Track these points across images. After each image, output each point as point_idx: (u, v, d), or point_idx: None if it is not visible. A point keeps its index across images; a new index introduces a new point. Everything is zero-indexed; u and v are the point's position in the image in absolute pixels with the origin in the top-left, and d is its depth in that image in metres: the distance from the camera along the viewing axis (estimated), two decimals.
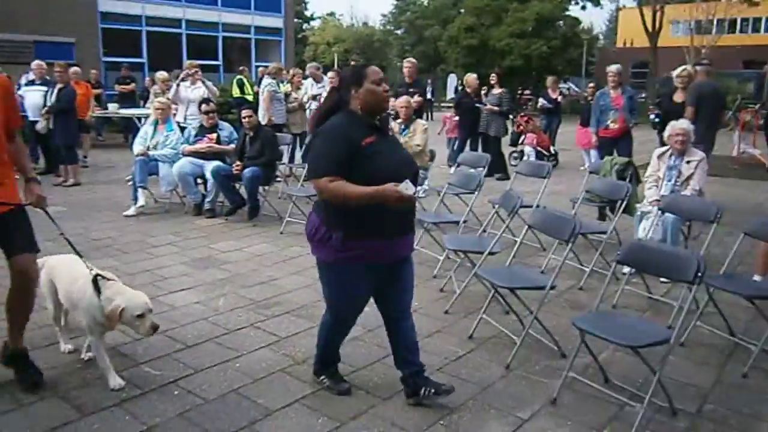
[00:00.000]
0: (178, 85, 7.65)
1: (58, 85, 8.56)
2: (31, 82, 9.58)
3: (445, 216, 5.45)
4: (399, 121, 6.76)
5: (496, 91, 9.89)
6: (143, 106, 13.35)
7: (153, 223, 6.58)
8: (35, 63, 9.68)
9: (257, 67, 18.26)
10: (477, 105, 9.68)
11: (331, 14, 53.84)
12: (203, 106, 6.97)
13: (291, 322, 4.02)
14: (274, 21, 22.44)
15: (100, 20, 18.01)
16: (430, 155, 6.99)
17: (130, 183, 8.55)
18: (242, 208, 6.73)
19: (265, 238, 6.08)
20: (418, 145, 6.53)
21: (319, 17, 51.51)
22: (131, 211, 6.80)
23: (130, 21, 18.71)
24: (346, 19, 55.05)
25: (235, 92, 12.62)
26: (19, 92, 9.30)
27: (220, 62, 20.70)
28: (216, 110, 7.04)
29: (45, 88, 8.86)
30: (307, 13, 49.81)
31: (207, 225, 6.52)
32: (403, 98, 6.84)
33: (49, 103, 8.53)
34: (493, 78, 10.22)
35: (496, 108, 9.40)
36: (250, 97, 13.91)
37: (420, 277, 4.94)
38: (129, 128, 14.62)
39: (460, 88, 30.03)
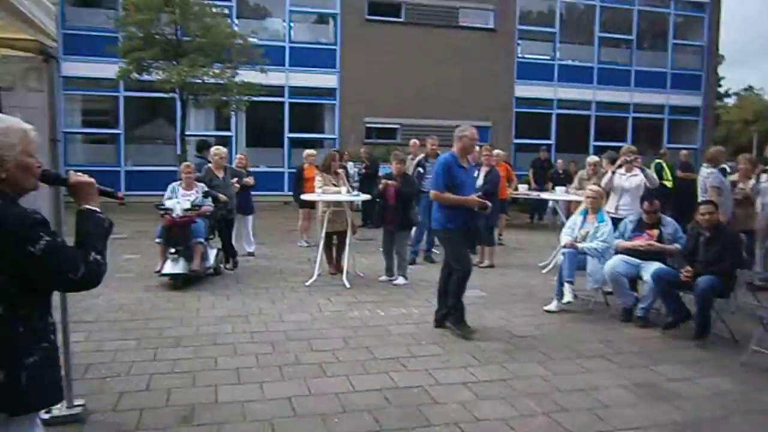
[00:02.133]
0: (613, 172, 6.98)
1: (485, 168, 8.79)
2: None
3: None
4: None
5: None
6: (553, 189, 13.18)
7: (577, 324, 5.91)
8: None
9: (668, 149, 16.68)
10: None
11: (749, 89, 47.76)
12: (645, 204, 6.11)
13: None
14: (692, 99, 20.54)
15: (515, 105, 19.00)
16: None
17: (545, 271, 8.21)
18: (684, 323, 5.56)
19: (721, 369, 4.78)
20: None
21: (735, 93, 46.25)
22: (553, 306, 6.27)
23: (542, 104, 19.30)
24: None
25: None
26: None
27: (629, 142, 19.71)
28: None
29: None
30: (721, 90, 45.07)
31: (641, 337, 5.54)
32: None
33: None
34: None
35: None
36: (668, 183, 12.60)
37: None
38: (537, 209, 14.67)
39: None
